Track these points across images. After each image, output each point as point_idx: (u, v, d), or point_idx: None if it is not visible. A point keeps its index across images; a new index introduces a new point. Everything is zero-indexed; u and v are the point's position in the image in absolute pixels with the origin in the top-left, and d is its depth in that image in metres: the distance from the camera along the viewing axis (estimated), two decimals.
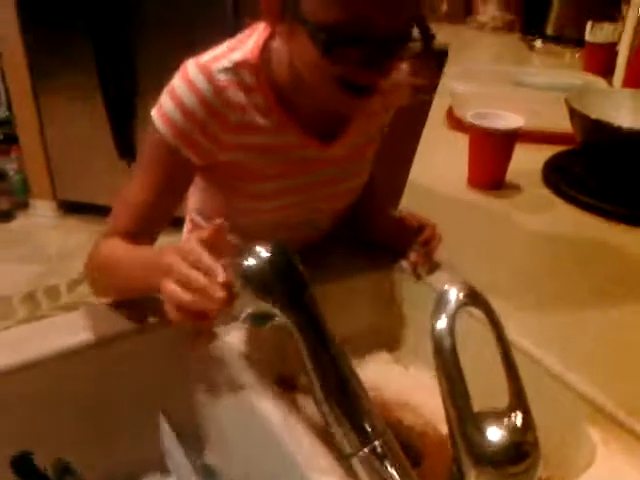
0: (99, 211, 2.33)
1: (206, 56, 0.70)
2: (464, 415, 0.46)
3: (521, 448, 0.46)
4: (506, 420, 0.47)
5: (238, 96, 0.70)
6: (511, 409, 0.48)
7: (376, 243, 0.85)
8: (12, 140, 2.56)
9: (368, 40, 0.60)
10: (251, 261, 0.53)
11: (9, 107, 2.53)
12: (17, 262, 2.24)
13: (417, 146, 1.00)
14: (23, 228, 2.49)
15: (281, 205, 0.79)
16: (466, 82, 1.57)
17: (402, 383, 0.78)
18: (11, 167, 2.56)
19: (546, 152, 1.21)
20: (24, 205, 2.59)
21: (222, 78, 0.68)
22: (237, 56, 0.70)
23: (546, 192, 1.09)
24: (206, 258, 0.55)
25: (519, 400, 0.48)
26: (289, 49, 0.67)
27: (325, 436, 0.55)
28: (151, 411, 0.70)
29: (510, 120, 1.08)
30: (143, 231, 0.72)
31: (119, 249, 0.70)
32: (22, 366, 0.64)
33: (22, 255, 2.29)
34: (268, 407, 0.60)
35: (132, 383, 0.69)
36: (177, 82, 0.69)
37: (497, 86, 1.62)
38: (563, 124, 1.14)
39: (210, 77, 0.68)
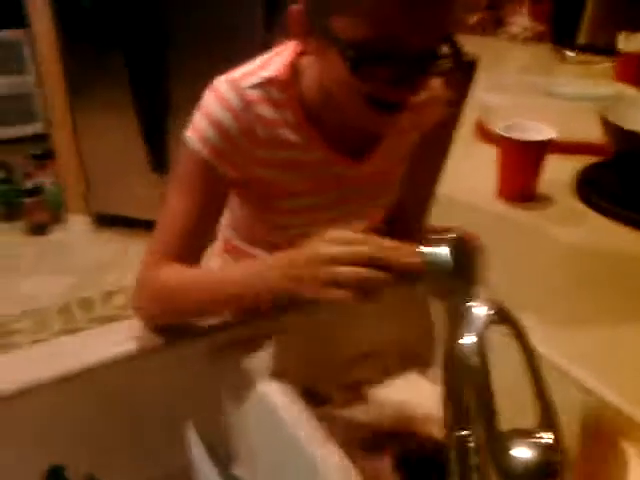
0: (132, 224, 2.38)
1: (236, 73, 0.71)
2: (491, 434, 0.46)
3: (550, 467, 0.45)
4: (534, 439, 0.46)
5: (267, 111, 0.70)
6: (540, 427, 0.47)
7: None
8: (49, 155, 2.64)
9: (397, 57, 0.59)
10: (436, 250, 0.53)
11: (47, 123, 2.61)
12: (52, 274, 2.29)
13: (444, 160, 1.00)
14: (59, 240, 2.55)
15: (311, 221, 0.79)
16: (496, 94, 1.56)
17: (432, 398, 0.77)
18: (48, 181, 2.63)
19: (577, 163, 1.19)
20: (60, 218, 2.66)
21: (251, 93, 0.69)
22: (266, 73, 0.70)
23: (578, 204, 1.07)
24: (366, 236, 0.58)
25: (548, 418, 0.47)
26: (319, 66, 0.68)
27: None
28: (181, 425, 0.71)
29: (541, 131, 1.06)
30: (192, 252, 0.71)
31: (197, 273, 0.71)
32: (57, 379, 0.65)
33: (57, 267, 2.34)
34: (296, 420, 0.60)
35: (163, 397, 0.70)
36: (209, 100, 0.70)
37: (528, 97, 1.61)
38: (595, 135, 1.12)
39: (240, 92, 0.69)
